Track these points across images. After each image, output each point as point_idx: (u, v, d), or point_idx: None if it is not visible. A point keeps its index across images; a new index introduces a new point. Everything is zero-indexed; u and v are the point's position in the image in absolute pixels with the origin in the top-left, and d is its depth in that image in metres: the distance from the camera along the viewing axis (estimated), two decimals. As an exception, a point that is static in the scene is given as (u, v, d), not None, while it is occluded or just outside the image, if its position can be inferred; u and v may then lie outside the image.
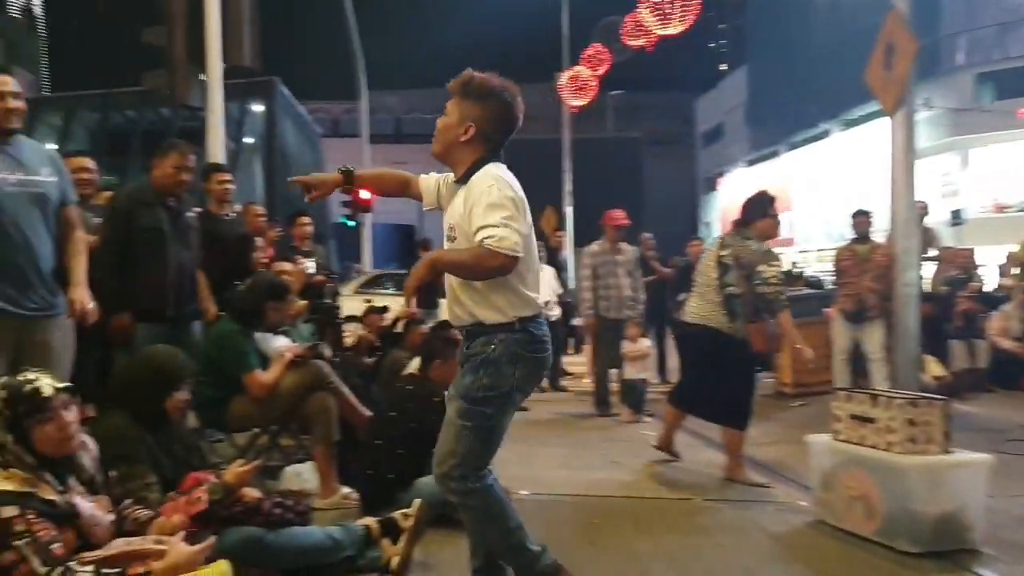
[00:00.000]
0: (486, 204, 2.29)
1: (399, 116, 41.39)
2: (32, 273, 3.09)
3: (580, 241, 13.78)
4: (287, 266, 5.27)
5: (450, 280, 2.50)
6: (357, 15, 13.49)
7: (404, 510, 2.95)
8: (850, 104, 21.93)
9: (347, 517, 3.18)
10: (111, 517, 2.27)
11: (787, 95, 27.25)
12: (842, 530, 3.48)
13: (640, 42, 12.32)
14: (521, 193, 2.42)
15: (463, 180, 2.46)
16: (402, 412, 3.61)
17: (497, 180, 2.35)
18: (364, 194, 16.41)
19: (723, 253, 4.44)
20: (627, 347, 6.56)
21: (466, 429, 2.42)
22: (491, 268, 2.28)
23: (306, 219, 6.85)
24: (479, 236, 2.26)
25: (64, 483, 2.15)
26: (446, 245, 2.52)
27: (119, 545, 2.14)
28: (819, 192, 25.03)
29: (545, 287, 7.83)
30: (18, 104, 3.10)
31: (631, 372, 6.61)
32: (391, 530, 2.90)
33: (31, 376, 2.19)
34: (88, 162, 4.50)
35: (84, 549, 2.12)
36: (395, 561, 2.80)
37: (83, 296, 3.21)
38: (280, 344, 4.02)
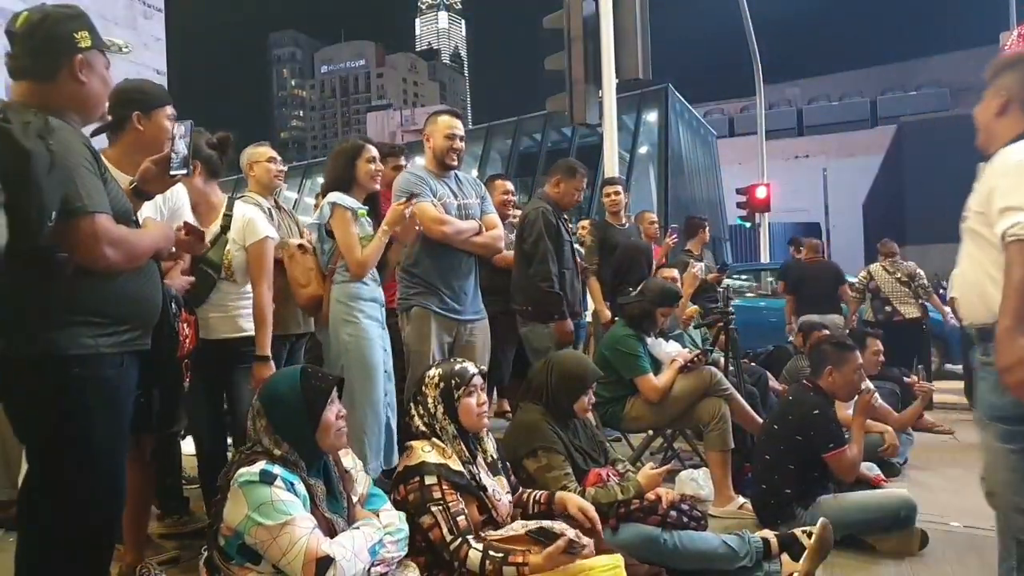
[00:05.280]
0: (1014, 179, 1.85)
1: (800, 107, 39.53)
2: (466, 284, 3.66)
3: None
4: (672, 272, 5.32)
5: (983, 264, 1.99)
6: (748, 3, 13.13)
7: (805, 527, 2.86)
8: None
9: (743, 528, 3.09)
10: (510, 496, 2.51)
11: None
12: None
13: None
14: None
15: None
16: (784, 424, 3.37)
17: None
18: (760, 193, 15.88)
19: None
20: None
21: (1015, 454, 2.01)
22: None
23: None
24: (1000, 225, 1.82)
25: (473, 458, 2.44)
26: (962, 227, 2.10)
27: (516, 528, 2.35)
28: None
29: None
30: (461, 145, 3.69)
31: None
32: (790, 546, 2.82)
33: (458, 359, 2.63)
34: (509, 185, 5.22)
35: (489, 523, 2.37)
36: (795, 577, 2.71)
37: None
38: (671, 349, 4.05)
